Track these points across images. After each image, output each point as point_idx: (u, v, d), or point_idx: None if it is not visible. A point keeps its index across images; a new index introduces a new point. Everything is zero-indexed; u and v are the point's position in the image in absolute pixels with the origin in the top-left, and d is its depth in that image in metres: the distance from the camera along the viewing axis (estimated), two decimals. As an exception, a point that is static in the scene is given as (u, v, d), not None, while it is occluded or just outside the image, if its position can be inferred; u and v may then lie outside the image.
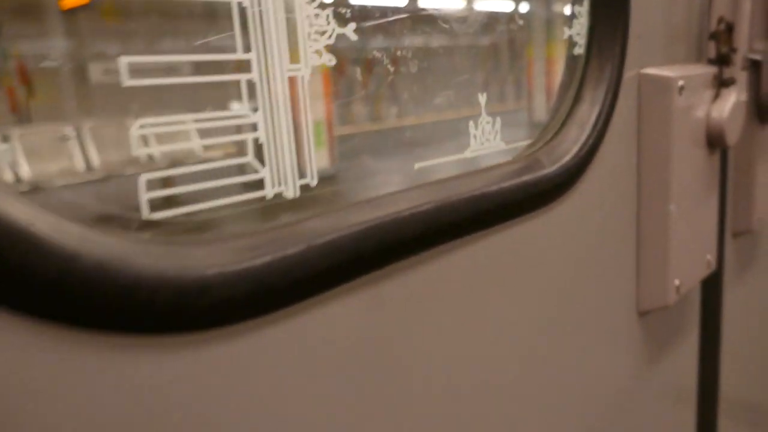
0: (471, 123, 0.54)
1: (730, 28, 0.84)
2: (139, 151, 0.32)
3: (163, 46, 0.34)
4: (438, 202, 0.47)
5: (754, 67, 1.04)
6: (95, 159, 0.44)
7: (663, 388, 0.91)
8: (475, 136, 0.55)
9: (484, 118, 0.55)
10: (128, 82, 0.32)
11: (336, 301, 0.41)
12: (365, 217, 0.42)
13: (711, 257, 0.90)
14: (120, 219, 0.34)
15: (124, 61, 0.31)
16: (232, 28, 0.35)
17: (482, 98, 0.55)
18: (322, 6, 0.40)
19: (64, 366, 0.29)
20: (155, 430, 0.32)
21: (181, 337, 0.33)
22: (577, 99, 0.67)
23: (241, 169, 0.38)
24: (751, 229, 1.10)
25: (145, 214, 0.33)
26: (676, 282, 0.81)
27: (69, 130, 0.35)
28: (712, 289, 1.02)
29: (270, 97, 0.38)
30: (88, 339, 0.29)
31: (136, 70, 0.31)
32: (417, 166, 0.50)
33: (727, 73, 0.85)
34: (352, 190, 0.51)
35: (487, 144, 0.56)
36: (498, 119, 0.56)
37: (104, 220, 0.33)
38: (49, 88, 0.36)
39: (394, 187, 0.46)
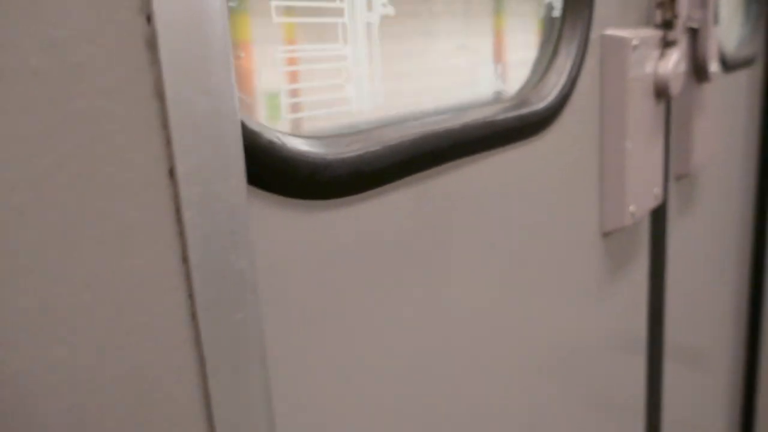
0: (481, 66, 0.70)
1: (672, -2, 1.01)
2: (282, 69, 0.47)
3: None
4: (463, 122, 0.62)
5: (693, 34, 1.23)
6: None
7: (620, 299, 1.09)
8: (483, 76, 0.70)
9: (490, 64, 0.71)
10: (276, 19, 0.45)
11: (399, 190, 0.56)
12: (417, 130, 0.57)
13: (658, 191, 1.09)
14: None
15: (274, 3, 0.45)
16: (333, -15, 0.50)
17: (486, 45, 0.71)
18: (387, -29, 0.55)
19: (282, 216, 0.44)
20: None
21: (316, 201, 0.47)
22: (555, 52, 0.83)
23: (336, 89, 0.52)
24: (689, 173, 1.29)
25: (284, 114, 0.48)
26: (632, 208, 0.98)
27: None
28: (659, 221, 1.21)
29: (354, 36, 0.53)
30: (287, 201, 0.44)
31: (282, 12, 0.45)
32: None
33: (670, 36, 1.03)
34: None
35: (491, 82, 0.72)
36: (500, 65, 0.72)
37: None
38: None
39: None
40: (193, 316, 0.25)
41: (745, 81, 1.85)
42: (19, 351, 0.22)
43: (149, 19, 0.23)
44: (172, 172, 0.25)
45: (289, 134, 0.47)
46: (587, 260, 0.96)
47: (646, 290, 1.20)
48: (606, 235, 0.99)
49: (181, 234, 0.25)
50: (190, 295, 0.25)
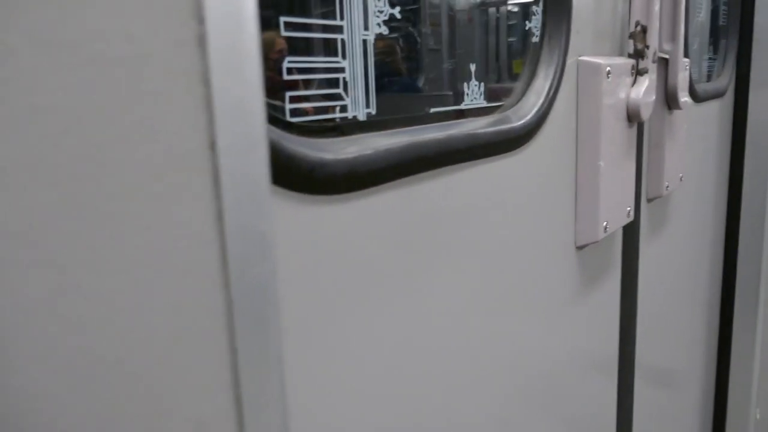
0: (465, 84, 0.76)
1: (644, 30, 1.09)
2: (288, 77, 0.53)
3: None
4: (448, 134, 0.68)
5: (664, 64, 1.31)
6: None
7: (593, 311, 1.15)
8: (467, 94, 0.77)
9: (474, 82, 0.77)
10: (284, 33, 0.51)
11: (389, 191, 0.62)
12: (406, 138, 0.63)
13: (630, 209, 1.15)
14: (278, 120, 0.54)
15: (282, 20, 0.51)
16: (334, 5, 0.56)
17: (473, 67, 0.77)
18: (383, -6, 0.61)
19: (284, 206, 0.50)
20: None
21: (315, 196, 0.53)
22: (533, 75, 0.90)
23: (335, 98, 0.58)
24: (661, 194, 1.37)
25: (287, 117, 0.53)
26: (604, 223, 1.05)
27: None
28: (631, 239, 1.28)
29: (352, 51, 0.59)
30: (299, 197, 0.50)
31: (291, 27, 0.51)
32: (432, 110, 0.71)
33: (642, 64, 1.10)
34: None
35: (475, 101, 0.78)
36: (483, 83, 0.78)
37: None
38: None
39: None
40: (225, 264, 0.31)
41: (717, 111, 1.94)
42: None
43: (201, 21, 0.28)
44: (213, 145, 0.30)
45: (292, 135, 0.53)
46: (561, 271, 1.02)
47: (618, 307, 1.26)
48: (580, 248, 1.05)
49: (218, 197, 0.30)
50: (223, 248, 0.31)
